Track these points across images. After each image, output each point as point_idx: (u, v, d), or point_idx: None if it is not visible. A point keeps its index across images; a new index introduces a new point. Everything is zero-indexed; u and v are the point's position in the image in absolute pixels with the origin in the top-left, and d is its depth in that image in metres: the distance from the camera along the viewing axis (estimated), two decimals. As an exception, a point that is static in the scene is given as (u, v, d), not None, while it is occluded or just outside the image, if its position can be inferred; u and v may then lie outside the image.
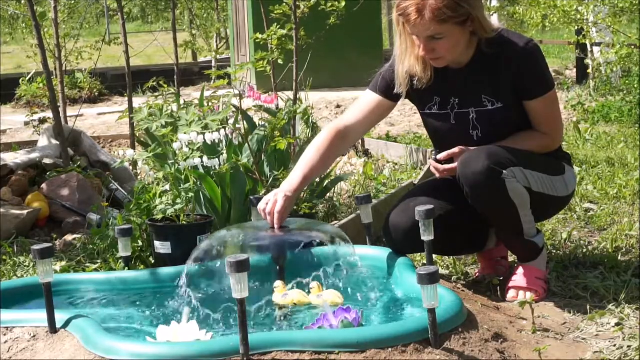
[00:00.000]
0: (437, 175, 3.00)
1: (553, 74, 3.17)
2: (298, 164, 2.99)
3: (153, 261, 3.36)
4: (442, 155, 2.96)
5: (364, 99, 3.11)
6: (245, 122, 3.93)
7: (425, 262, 2.89)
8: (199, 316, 2.58)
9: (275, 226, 2.80)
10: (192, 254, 2.76)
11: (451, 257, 3.33)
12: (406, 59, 2.97)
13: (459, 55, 2.94)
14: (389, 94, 3.06)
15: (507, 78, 2.92)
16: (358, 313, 2.42)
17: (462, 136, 2.98)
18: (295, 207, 3.51)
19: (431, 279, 2.24)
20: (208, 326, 2.52)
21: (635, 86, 8.11)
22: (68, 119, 5.74)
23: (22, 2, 7.01)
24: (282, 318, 2.67)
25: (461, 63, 2.97)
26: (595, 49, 9.22)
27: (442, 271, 3.25)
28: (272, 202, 2.82)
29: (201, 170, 3.44)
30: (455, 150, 2.94)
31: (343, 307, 2.46)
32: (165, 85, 4.37)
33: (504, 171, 2.79)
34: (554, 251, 3.46)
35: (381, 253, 3.03)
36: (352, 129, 3.06)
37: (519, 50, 2.91)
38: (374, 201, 3.72)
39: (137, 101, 5.17)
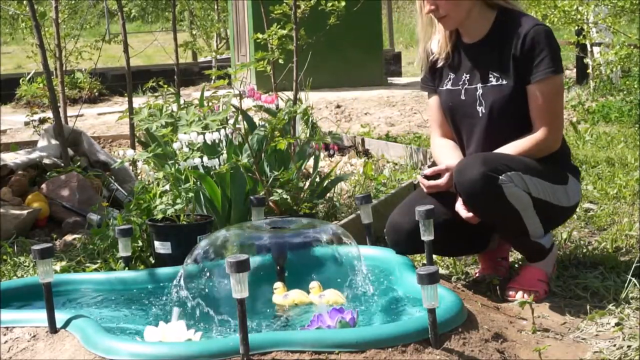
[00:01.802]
0: (425, 191, 3.01)
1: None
2: (443, 156, 3.06)
3: (153, 261, 3.36)
4: (428, 171, 2.99)
5: (430, 107, 3.19)
6: (245, 122, 3.93)
7: (425, 262, 2.89)
8: (194, 316, 2.58)
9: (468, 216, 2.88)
10: (191, 253, 2.76)
11: (451, 257, 3.33)
12: (426, 39, 3.06)
13: (470, 21, 2.96)
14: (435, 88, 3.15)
15: (512, 54, 2.92)
16: (353, 313, 2.42)
17: (469, 112, 3.00)
18: (295, 207, 3.51)
19: (431, 279, 2.24)
20: (204, 326, 2.52)
21: (635, 86, 8.11)
22: (68, 119, 5.74)
23: (24, 2, 7.01)
24: (283, 318, 2.67)
25: (475, 37, 3.00)
26: (595, 49, 9.21)
27: (442, 271, 3.25)
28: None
29: (201, 170, 3.44)
30: (442, 167, 2.97)
31: (336, 307, 2.46)
32: (166, 86, 4.37)
33: (501, 177, 2.77)
34: (554, 251, 3.46)
35: (381, 253, 3.03)
36: (447, 134, 3.14)
37: (528, 28, 2.91)
38: (374, 201, 3.72)
39: (137, 101, 5.17)
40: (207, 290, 2.77)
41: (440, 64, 3.07)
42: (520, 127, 2.94)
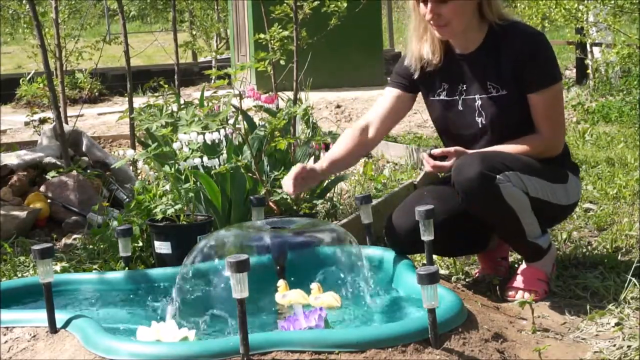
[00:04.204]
0: (428, 168, 2.98)
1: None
2: (337, 144, 3.12)
3: (153, 261, 3.36)
4: (436, 151, 2.95)
5: (383, 96, 3.16)
6: (245, 122, 3.93)
7: (425, 262, 2.89)
8: (193, 316, 2.58)
9: (288, 189, 2.91)
10: (190, 253, 2.76)
11: (451, 257, 3.33)
12: (418, 39, 3.01)
13: (466, 33, 2.94)
14: (405, 85, 3.10)
15: (510, 65, 2.91)
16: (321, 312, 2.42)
17: (468, 122, 2.99)
18: (295, 207, 3.51)
19: (431, 279, 2.24)
20: (203, 326, 2.52)
21: (635, 86, 8.11)
22: (68, 119, 5.75)
23: (24, 1, 7.02)
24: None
25: (469, 48, 2.98)
26: (595, 49, 9.22)
27: (442, 271, 3.25)
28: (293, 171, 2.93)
29: (201, 170, 3.44)
30: (451, 149, 2.93)
31: (304, 309, 2.46)
32: (166, 85, 4.37)
33: (498, 176, 2.76)
34: (554, 251, 3.46)
35: (381, 253, 3.03)
36: (372, 123, 3.12)
37: (525, 38, 2.90)
38: (374, 201, 3.71)
39: (138, 101, 5.17)
40: (206, 290, 2.77)
41: (429, 69, 3.03)
42: (520, 135, 2.94)
